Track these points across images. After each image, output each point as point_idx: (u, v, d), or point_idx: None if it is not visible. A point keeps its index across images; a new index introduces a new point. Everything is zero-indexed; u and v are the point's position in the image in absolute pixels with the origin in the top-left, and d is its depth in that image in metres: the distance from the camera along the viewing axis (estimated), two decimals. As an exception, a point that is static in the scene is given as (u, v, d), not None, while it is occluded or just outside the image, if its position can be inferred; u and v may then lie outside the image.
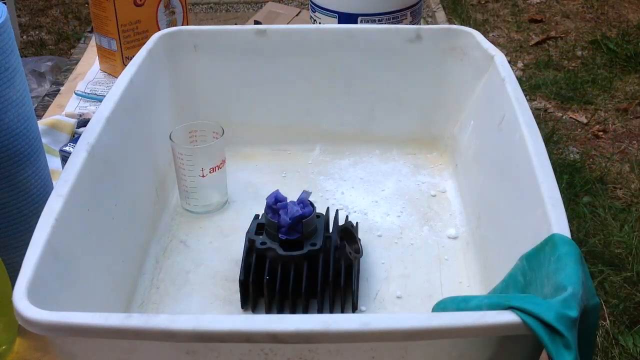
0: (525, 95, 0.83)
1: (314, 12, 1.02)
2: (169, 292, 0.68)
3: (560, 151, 2.02)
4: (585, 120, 2.17)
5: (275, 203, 0.66)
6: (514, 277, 0.52)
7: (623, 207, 1.78)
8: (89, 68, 1.16)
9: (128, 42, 1.08)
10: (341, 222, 0.70)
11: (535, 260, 0.50)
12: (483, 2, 3.07)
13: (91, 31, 1.24)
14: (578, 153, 2.02)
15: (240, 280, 0.65)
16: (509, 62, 0.98)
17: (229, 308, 0.66)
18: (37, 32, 2.83)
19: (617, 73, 2.42)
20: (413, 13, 1.00)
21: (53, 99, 1.08)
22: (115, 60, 1.10)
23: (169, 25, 1.12)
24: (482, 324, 0.44)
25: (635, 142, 2.07)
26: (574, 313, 0.43)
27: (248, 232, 0.67)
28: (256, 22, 1.34)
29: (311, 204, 0.67)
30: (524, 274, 0.51)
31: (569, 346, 0.42)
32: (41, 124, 0.93)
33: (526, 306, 0.43)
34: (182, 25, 1.14)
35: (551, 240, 0.50)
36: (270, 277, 0.64)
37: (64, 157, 0.82)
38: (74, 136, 0.94)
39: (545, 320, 0.42)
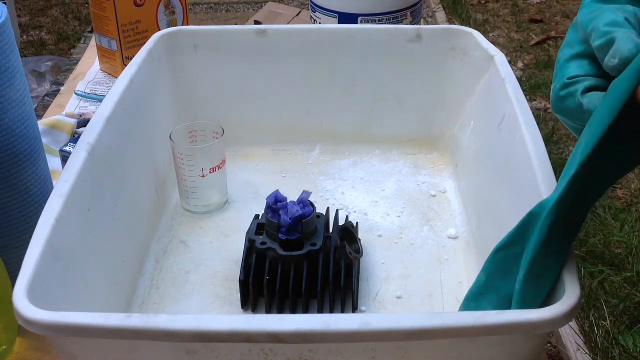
0: (525, 95, 0.83)
1: (314, 12, 1.02)
2: (169, 292, 0.68)
3: (560, 151, 2.02)
4: (585, 120, 2.17)
5: (275, 203, 0.66)
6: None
7: (623, 207, 1.78)
8: (89, 68, 1.16)
9: (128, 42, 1.08)
10: (341, 222, 0.70)
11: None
12: (483, 2, 3.07)
13: (91, 31, 1.24)
14: (578, 153, 2.01)
15: (240, 280, 0.65)
16: (509, 62, 0.98)
17: (229, 308, 0.66)
18: (37, 32, 2.83)
19: (617, 73, 2.41)
20: (413, 13, 1.00)
21: (53, 99, 1.08)
22: (115, 60, 1.10)
23: (169, 25, 1.12)
24: (482, 324, 0.44)
25: (635, 142, 2.07)
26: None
27: (248, 232, 0.67)
28: (256, 22, 1.34)
29: (311, 204, 0.67)
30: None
31: None
32: (41, 124, 0.93)
33: None
34: (182, 25, 1.14)
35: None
36: (270, 277, 0.64)
37: (64, 157, 0.82)
38: (74, 136, 0.94)
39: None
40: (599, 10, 0.45)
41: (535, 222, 0.46)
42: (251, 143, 0.89)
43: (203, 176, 0.75)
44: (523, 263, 0.46)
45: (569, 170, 0.44)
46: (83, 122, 0.96)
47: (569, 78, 0.46)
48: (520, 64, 2.53)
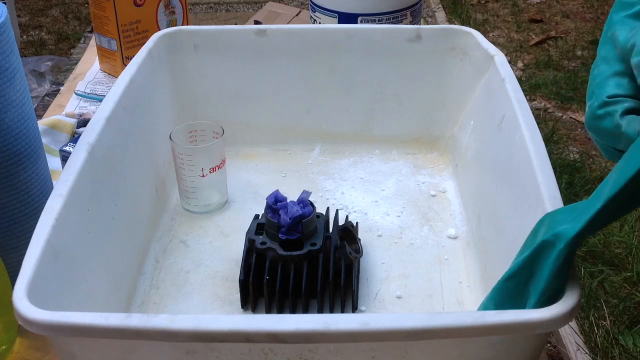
0: (525, 95, 0.83)
1: (314, 12, 1.02)
2: (169, 292, 0.68)
3: (560, 151, 2.02)
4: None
5: (275, 203, 0.66)
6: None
7: (623, 207, 1.78)
8: (89, 68, 1.16)
9: (128, 42, 1.08)
10: (341, 222, 0.70)
11: None
12: (483, 2, 3.07)
13: (91, 31, 1.24)
14: (578, 153, 2.02)
15: (240, 280, 0.65)
16: (509, 62, 0.98)
17: (229, 308, 0.66)
18: (37, 32, 2.83)
19: (617, 73, 2.41)
20: (413, 13, 1.00)
21: (53, 99, 1.08)
22: (115, 60, 1.10)
23: (169, 25, 1.12)
24: (482, 324, 0.44)
25: (635, 142, 2.06)
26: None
27: (248, 232, 0.67)
28: (256, 22, 1.34)
29: (311, 204, 0.67)
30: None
31: None
32: (41, 124, 0.93)
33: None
34: (182, 25, 1.14)
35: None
36: (270, 277, 0.64)
37: (64, 157, 0.82)
38: (74, 136, 0.94)
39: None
40: (639, 28, 0.45)
41: (549, 251, 0.45)
42: (251, 143, 0.89)
43: (203, 176, 0.76)
44: (534, 292, 0.45)
45: (594, 203, 0.43)
46: (83, 122, 0.96)
47: (609, 97, 0.45)
48: (520, 64, 2.53)
